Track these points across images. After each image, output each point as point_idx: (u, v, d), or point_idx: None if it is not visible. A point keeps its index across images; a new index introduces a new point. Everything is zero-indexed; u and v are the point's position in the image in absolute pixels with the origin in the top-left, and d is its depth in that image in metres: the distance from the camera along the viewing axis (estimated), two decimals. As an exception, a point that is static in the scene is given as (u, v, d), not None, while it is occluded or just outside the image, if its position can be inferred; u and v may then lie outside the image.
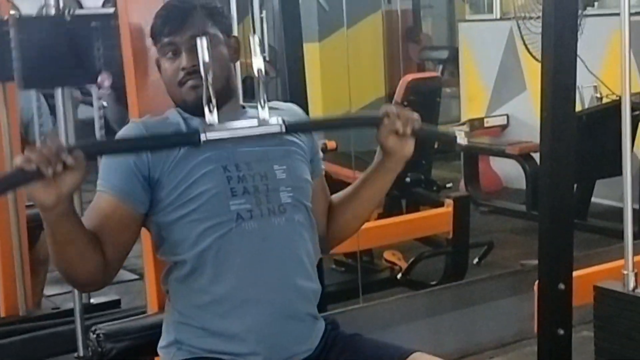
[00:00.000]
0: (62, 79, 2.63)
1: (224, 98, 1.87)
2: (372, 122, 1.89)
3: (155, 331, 1.95)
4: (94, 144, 1.94)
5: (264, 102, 1.75)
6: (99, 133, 2.98)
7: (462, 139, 1.81)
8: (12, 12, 2.66)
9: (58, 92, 2.73)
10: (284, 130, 1.75)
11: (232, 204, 1.81)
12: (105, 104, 2.96)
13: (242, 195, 1.82)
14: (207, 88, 1.68)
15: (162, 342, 1.91)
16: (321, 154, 2.06)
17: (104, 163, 1.84)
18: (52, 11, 2.61)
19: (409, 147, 1.88)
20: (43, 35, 2.58)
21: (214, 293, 1.82)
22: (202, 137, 1.68)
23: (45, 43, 2.57)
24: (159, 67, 1.93)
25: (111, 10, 2.59)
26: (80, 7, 2.61)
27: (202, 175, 1.82)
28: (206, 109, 1.69)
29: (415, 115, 1.86)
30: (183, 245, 1.83)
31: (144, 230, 1.92)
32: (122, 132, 1.88)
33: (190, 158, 1.83)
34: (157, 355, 1.95)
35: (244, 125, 1.76)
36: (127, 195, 1.81)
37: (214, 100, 1.69)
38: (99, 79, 2.60)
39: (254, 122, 1.75)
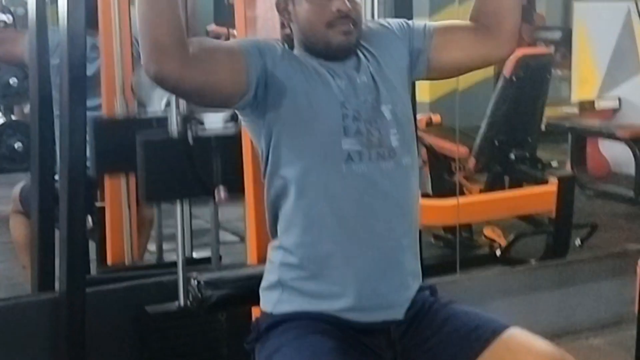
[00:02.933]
0: (181, 193, 2.77)
1: (355, 48, 1.89)
2: None
3: (254, 281, 1.98)
4: None
5: None
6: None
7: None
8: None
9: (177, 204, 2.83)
10: None
11: (344, 142, 1.82)
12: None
13: (354, 135, 1.82)
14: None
15: (263, 283, 1.93)
16: (416, 23, 1.99)
17: None
18: (176, 134, 2.74)
19: None
20: (166, 155, 2.75)
21: (318, 233, 1.83)
22: None
23: (168, 163, 2.75)
24: (283, 8, 1.90)
25: (232, 130, 2.70)
26: (202, 125, 2.70)
27: (322, 103, 1.83)
28: None
29: None
30: (290, 170, 1.83)
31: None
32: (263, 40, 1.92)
33: (315, 78, 1.84)
34: (254, 304, 1.99)
35: None
36: (249, 56, 1.80)
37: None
38: (216, 193, 2.71)
39: None
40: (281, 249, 1.89)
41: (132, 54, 3.50)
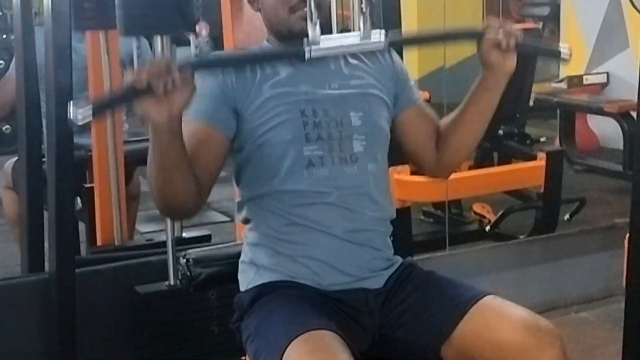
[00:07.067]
0: (161, 27, 2.69)
1: (322, 32, 1.88)
2: (474, 35, 1.88)
3: (243, 259, 2.00)
4: (202, 60, 1.97)
5: (367, 19, 1.79)
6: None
7: (566, 53, 1.78)
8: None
9: (157, 39, 2.78)
10: (386, 45, 1.80)
11: (305, 149, 1.84)
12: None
13: (315, 141, 1.84)
14: (310, 8, 1.73)
15: (240, 265, 1.97)
16: (412, 83, 2.04)
17: None
18: None
19: (511, 62, 1.87)
20: None
21: (286, 225, 1.86)
22: (307, 53, 1.72)
23: None
24: None
25: None
26: None
27: (281, 119, 1.84)
28: (309, 25, 1.72)
29: (518, 29, 1.86)
30: (256, 183, 1.88)
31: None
32: (225, 53, 1.93)
33: (270, 94, 1.86)
34: (243, 282, 2.00)
35: (345, 42, 1.81)
36: (218, 121, 1.83)
37: (315, 18, 1.73)
38: (197, 28, 2.66)
39: (357, 36, 1.79)
40: (251, 232, 1.94)
41: None
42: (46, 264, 2.90)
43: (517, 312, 1.81)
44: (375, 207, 1.90)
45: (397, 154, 2.09)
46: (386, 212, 1.95)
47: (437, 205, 4.42)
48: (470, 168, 4.47)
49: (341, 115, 1.87)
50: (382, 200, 1.93)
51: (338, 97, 1.89)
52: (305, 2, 1.80)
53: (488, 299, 1.84)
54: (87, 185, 3.58)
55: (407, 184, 3.43)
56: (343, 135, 1.86)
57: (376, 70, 1.98)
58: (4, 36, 7.41)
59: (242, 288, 1.94)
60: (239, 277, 1.96)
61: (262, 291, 1.87)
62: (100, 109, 1.62)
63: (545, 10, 7.74)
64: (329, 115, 1.86)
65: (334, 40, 1.81)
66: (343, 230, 1.86)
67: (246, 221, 1.96)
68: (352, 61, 1.96)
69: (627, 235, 2.65)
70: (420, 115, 2.03)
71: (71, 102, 1.58)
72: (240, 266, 1.96)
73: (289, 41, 1.88)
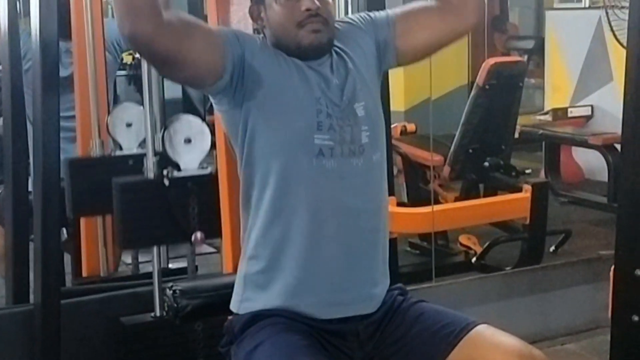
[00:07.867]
0: (159, 239, 2.76)
1: (329, 47, 1.92)
2: None
3: (229, 290, 1.98)
4: None
5: None
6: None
7: None
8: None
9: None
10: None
11: (316, 137, 1.85)
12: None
13: (327, 130, 1.85)
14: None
15: (237, 275, 1.95)
16: (373, 14, 2.03)
17: None
18: (152, 175, 2.72)
19: None
20: (142, 198, 2.72)
21: (286, 226, 1.85)
22: None
23: (144, 206, 2.71)
24: (257, 16, 1.94)
25: (207, 170, 2.72)
26: (179, 169, 2.69)
27: (298, 97, 1.86)
28: None
29: None
30: (262, 162, 1.86)
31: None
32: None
33: (293, 72, 1.87)
34: (230, 312, 1.99)
35: None
36: (226, 37, 1.84)
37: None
38: (193, 237, 2.72)
39: None
40: (250, 241, 1.91)
41: (107, 94, 3.52)
42: (31, 295, 2.88)
43: (511, 341, 1.82)
44: (376, 198, 1.92)
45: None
46: (385, 216, 1.95)
47: (424, 236, 4.43)
48: (456, 200, 4.49)
49: (348, 109, 1.89)
50: (383, 190, 1.94)
51: (343, 90, 1.90)
52: (313, 16, 1.85)
53: (481, 328, 1.85)
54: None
55: (393, 216, 3.43)
56: (354, 128, 1.88)
57: (355, 49, 1.97)
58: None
59: (232, 307, 1.93)
60: (234, 293, 1.94)
61: (254, 319, 1.86)
62: None
63: (529, 44, 7.80)
64: (338, 109, 1.88)
65: None
66: (340, 246, 1.86)
67: (245, 228, 1.93)
68: (342, 53, 1.96)
69: (612, 267, 2.66)
70: (408, 17, 2.01)
71: None
72: (236, 284, 1.94)
73: (297, 56, 1.89)
